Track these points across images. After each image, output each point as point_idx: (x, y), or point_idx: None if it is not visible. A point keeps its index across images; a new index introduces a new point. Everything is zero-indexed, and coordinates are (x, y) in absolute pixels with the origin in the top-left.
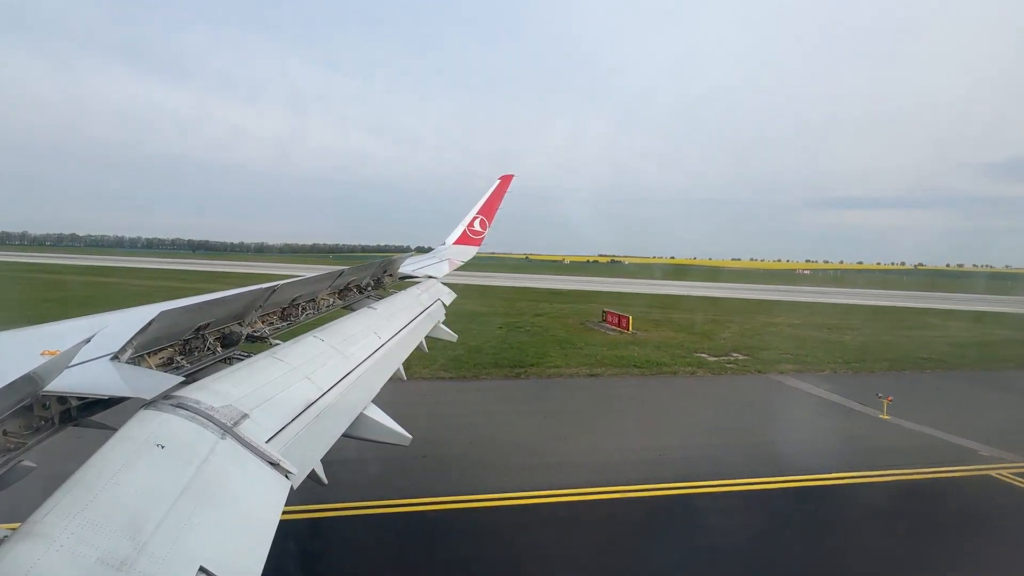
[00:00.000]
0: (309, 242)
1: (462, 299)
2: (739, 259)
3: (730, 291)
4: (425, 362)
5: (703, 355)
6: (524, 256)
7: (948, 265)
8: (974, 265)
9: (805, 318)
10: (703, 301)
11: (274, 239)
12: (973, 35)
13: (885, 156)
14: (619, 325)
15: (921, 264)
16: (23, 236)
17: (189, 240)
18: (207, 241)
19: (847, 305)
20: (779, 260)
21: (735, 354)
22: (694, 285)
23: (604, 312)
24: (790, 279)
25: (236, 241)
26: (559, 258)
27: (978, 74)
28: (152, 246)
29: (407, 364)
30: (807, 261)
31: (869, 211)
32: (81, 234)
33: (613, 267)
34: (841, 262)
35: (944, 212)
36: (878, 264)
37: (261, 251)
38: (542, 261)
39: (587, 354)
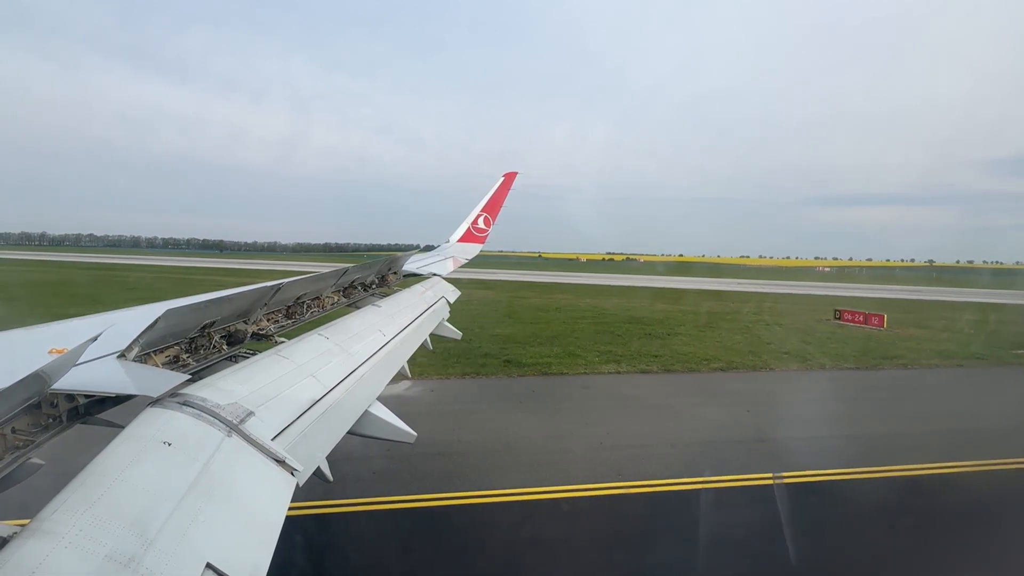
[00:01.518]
0: (320, 241)
1: (708, 301)
2: (747, 256)
3: (826, 290)
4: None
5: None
6: (536, 254)
7: (958, 262)
8: (984, 262)
9: (990, 314)
10: (841, 300)
11: (285, 238)
12: (978, 30)
13: (888, 153)
14: (868, 322)
15: (932, 261)
16: (42, 237)
17: (204, 240)
18: (221, 241)
19: (964, 303)
20: (787, 257)
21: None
22: (783, 284)
23: (837, 310)
24: (821, 277)
25: (249, 240)
26: (574, 256)
27: (983, 69)
28: (168, 246)
29: (412, 360)
30: (816, 258)
31: (873, 208)
32: (98, 234)
33: (627, 264)
34: (851, 259)
35: (949, 209)
36: (887, 261)
37: (273, 250)
38: (555, 259)
39: (914, 348)
